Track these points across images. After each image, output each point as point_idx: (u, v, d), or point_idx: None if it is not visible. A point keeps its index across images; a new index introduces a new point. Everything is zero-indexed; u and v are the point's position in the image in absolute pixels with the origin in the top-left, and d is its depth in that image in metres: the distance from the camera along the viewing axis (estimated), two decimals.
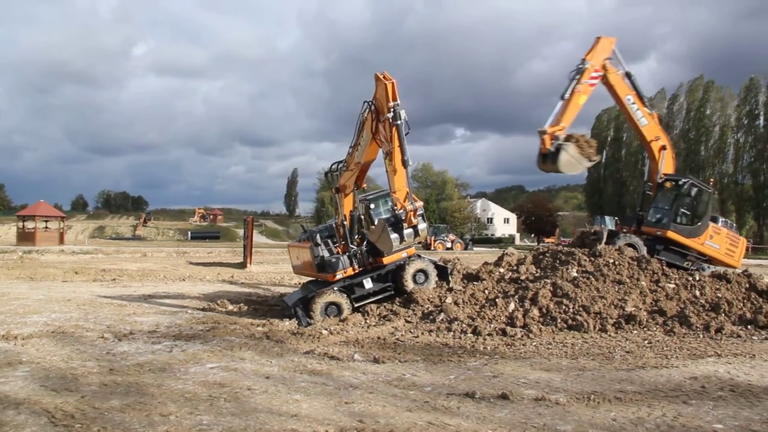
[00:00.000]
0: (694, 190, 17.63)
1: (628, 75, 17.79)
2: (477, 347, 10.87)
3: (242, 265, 32.62)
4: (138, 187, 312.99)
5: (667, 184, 18.14)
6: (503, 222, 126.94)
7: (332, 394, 7.71)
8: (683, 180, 18.01)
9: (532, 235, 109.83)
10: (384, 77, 13.17)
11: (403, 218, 13.08)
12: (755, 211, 76.53)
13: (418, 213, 13.24)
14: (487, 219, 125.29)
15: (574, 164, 16.00)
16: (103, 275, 25.72)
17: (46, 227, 60.01)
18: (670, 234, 17.52)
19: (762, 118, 76.18)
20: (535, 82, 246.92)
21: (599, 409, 7.12)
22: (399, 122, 12.97)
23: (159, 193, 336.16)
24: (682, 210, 17.86)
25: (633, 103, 17.80)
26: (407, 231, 13.11)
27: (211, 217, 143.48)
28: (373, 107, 13.52)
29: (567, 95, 16.53)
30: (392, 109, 12.94)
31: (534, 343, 11.21)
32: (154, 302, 17.10)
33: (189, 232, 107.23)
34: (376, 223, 14.51)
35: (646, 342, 11.38)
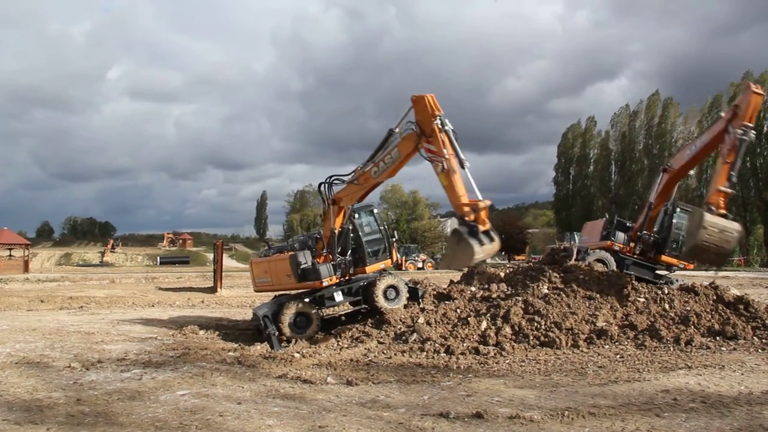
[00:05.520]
0: None
1: None
2: (450, 366, 10.84)
3: (212, 290, 32.30)
4: (107, 212, 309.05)
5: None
6: None
7: (306, 418, 7.62)
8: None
9: (503, 253, 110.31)
10: (420, 97, 13.22)
11: (476, 221, 12.43)
12: None
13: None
14: None
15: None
16: (70, 303, 25.23)
17: (10, 255, 58.87)
18: None
19: None
20: (509, 101, 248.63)
21: (573, 425, 7.13)
22: (448, 128, 12.97)
23: (128, 219, 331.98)
24: None
25: None
26: (484, 236, 12.38)
27: (180, 241, 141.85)
28: (418, 129, 13.41)
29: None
30: (438, 118, 12.96)
31: (507, 361, 11.22)
32: (122, 329, 16.79)
33: (158, 258, 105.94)
34: (361, 230, 15.05)
35: (618, 356, 11.46)
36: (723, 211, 14.03)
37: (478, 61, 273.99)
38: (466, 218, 12.45)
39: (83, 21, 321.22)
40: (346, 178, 14.84)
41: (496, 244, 12.53)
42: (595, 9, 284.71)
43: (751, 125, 14.06)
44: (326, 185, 15.06)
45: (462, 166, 12.79)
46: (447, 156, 12.77)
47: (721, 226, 13.65)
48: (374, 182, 14.58)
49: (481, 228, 12.17)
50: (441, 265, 14.01)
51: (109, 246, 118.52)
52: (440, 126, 12.92)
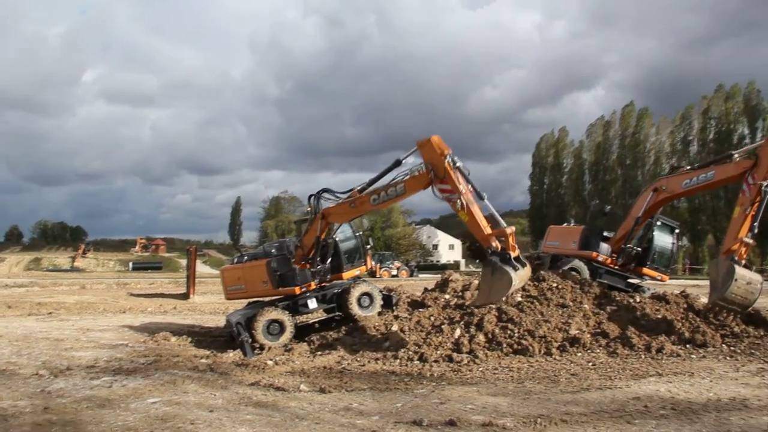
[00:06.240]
0: None
1: None
2: (424, 374, 10.85)
3: (185, 296, 32.02)
4: (79, 217, 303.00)
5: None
6: (448, 248, 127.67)
7: (278, 426, 7.57)
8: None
9: (477, 261, 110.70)
10: (426, 141, 13.21)
11: (506, 248, 12.37)
12: (690, 233, 79.00)
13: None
14: (433, 246, 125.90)
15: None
16: (39, 309, 24.82)
17: None
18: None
19: (696, 144, 79.17)
20: (486, 109, 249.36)
21: None
22: (459, 164, 12.98)
23: (101, 224, 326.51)
24: None
25: None
26: (516, 262, 12.31)
27: (153, 247, 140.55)
28: (430, 172, 13.35)
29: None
30: (449, 157, 12.94)
31: (480, 369, 11.24)
32: (93, 336, 16.56)
33: (130, 263, 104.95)
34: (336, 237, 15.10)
35: (590, 364, 11.53)
36: (744, 262, 14.07)
37: (456, 69, 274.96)
38: (495, 246, 12.43)
39: (59, 23, 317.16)
40: (340, 195, 14.72)
41: (528, 270, 12.65)
42: (573, 20, 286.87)
43: None
44: (316, 197, 14.98)
45: (480, 197, 12.81)
46: (463, 191, 12.82)
47: (749, 278, 13.59)
48: (370, 209, 14.60)
49: (512, 254, 12.15)
50: (477, 301, 13.67)
51: (80, 251, 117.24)
52: (451, 164, 12.94)
